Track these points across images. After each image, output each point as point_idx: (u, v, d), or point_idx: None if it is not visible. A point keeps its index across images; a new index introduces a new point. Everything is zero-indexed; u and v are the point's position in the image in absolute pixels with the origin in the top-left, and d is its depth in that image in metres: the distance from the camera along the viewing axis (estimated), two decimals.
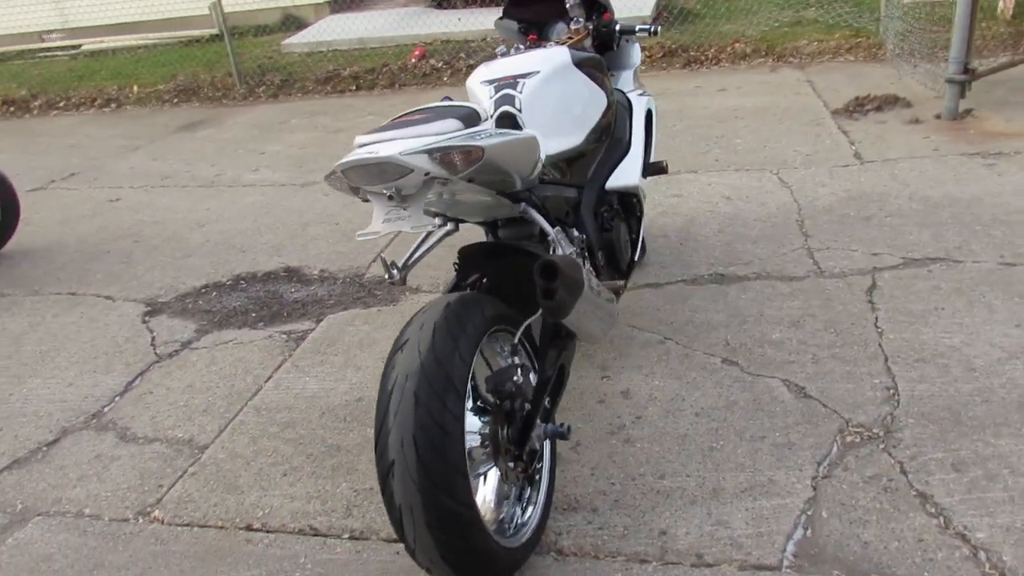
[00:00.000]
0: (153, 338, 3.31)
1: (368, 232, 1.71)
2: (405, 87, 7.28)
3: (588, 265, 2.36)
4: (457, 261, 2.18)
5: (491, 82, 2.41)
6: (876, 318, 2.83)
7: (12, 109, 8.32)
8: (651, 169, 2.79)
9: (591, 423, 2.47)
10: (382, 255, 2.14)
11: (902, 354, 2.61)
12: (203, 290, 3.70)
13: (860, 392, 2.45)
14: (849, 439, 2.27)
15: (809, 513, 2.03)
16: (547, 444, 2.09)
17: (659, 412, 2.48)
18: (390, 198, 1.68)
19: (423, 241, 2.15)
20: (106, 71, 8.94)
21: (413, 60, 7.62)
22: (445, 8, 9.19)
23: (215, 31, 9.38)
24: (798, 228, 3.58)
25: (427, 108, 1.81)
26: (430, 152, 1.61)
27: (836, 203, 3.78)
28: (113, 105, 8.04)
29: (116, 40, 9.90)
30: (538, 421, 1.90)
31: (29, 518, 2.35)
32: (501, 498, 2.02)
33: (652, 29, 2.86)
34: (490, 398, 1.85)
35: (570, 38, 2.79)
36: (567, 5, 2.81)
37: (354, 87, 7.44)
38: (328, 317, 3.32)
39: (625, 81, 2.90)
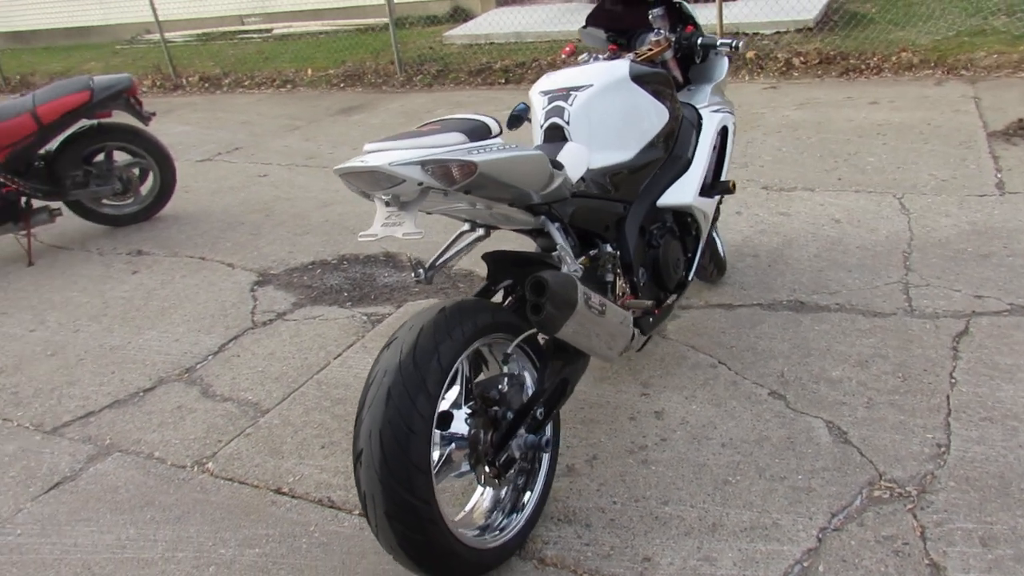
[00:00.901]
0: (254, 306, 3.63)
1: (367, 234, 1.82)
2: None
3: (621, 282, 2.35)
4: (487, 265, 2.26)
5: (546, 93, 2.46)
6: (955, 367, 2.60)
7: (207, 85, 9.24)
8: (718, 188, 2.71)
9: (615, 439, 2.46)
10: (409, 254, 2.24)
11: (969, 410, 2.39)
12: (310, 266, 3.99)
13: (906, 445, 2.28)
14: (876, 493, 2.13)
15: (805, 564, 1.94)
16: (545, 455, 2.13)
17: (686, 437, 2.43)
18: (388, 204, 1.78)
19: (453, 244, 2.23)
20: (288, 54, 9.70)
21: (563, 56, 7.68)
22: None
23: (386, 20, 9.93)
24: (902, 260, 3.33)
25: (442, 120, 1.89)
26: (423, 164, 1.69)
27: (955, 236, 3.48)
28: (289, 86, 8.73)
29: (302, 25, 10.70)
30: (522, 431, 1.94)
31: (111, 453, 2.69)
32: (495, 502, 2.09)
33: (734, 44, 2.77)
34: (476, 403, 1.92)
35: (650, 49, 2.77)
36: (649, 16, 2.78)
37: (503, 80, 7.63)
38: (408, 304, 3.50)
39: (702, 96, 2.83)
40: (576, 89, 2.41)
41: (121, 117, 4.55)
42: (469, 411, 1.91)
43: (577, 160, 2.25)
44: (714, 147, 2.80)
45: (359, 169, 1.67)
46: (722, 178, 2.78)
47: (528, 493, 2.08)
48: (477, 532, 1.98)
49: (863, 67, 6.42)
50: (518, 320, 1.99)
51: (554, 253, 2.07)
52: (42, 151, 4.46)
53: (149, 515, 2.36)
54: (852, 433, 2.36)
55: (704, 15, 7.52)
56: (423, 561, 1.77)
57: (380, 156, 1.68)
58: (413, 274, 2.15)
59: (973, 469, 2.16)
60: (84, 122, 4.46)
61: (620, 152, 2.39)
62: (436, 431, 1.86)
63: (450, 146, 1.75)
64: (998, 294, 2.99)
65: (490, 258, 2.23)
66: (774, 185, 4.29)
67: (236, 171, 5.79)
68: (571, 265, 2.04)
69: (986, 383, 2.50)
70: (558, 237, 2.07)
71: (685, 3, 2.85)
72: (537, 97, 2.47)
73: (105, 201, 4.75)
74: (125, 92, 4.44)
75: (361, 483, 1.72)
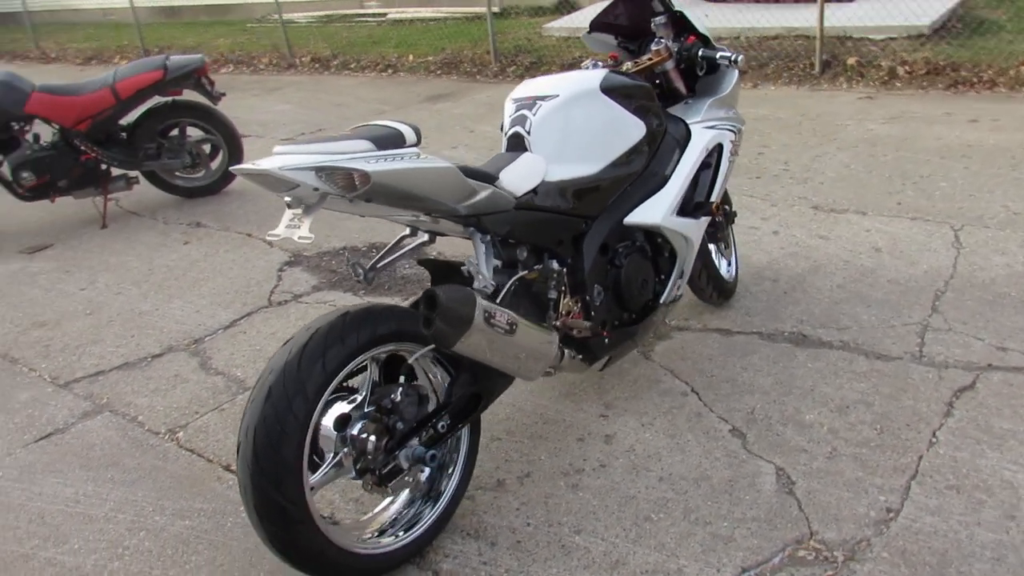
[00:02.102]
0: (276, 286, 3.78)
1: (273, 233, 1.86)
2: None
3: (568, 300, 2.29)
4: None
5: (516, 100, 2.42)
6: (941, 425, 2.37)
7: (317, 66, 9.61)
8: (702, 210, 2.57)
9: (555, 458, 2.41)
10: (348, 255, 2.26)
11: (938, 475, 2.18)
12: (340, 251, 4.11)
13: (852, 505, 2.11)
14: (800, 554, 1.98)
15: None
16: (457, 471, 2.12)
17: (626, 466, 2.35)
18: (290, 206, 1.80)
19: (395, 247, 2.24)
20: (395, 39, 9.94)
21: None
22: (721, 1, 8.85)
23: (495, 9, 9.99)
24: (932, 299, 3.06)
25: (362, 126, 1.89)
26: (317, 170, 1.71)
27: (1003, 278, 3.16)
28: (390, 71, 8.96)
29: (415, 11, 10.93)
30: (415, 442, 1.93)
31: (102, 412, 2.88)
32: (399, 511, 2.10)
33: (733, 58, 2.61)
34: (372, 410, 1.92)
35: (649, 59, 2.67)
36: (652, 25, 2.67)
37: None
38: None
39: (697, 110, 2.68)
40: (542, 99, 2.35)
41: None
42: (364, 418, 1.91)
43: (528, 171, 2.21)
44: (709, 166, 2.67)
45: (252, 172, 1.71)
46: (712, 199, 2.63)
47: (431, 505, 2.08)
48: (371, 536, 2.00)
49: (974, 80, 5.91)
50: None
51: (464, 267, 2.05)
52: (123, 123, 4.80)
53: (110, 475, 2.52)
54: (800, 484, 2.20)
55: (804, 17, 7.15)
56: (292, 557, 1.80)
57: (277, 160, 1.71)
58: (353, 274, 2.17)
59: (915, 542, 1.97)
60: (158, 99, 4.76)
61: (583, 166, 2.31)
62: (335, 433, 1.89)
63: (352, 153, 1.75)
64: None
65: (429, 265, 2.23)
66: (825, 205, 4.03)
67: None
68: (482, 280, 2.00)
69: (969, 447, 2.27)
70: (479, 250, 2.04)
71: (689, 14, 2.71)
72: (508, 104, 2.44)
73: (178, 174, 5.05)
74: (196, 72, 4.70)
75: (239, 474, 1.77)
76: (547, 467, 2.38)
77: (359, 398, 1.93)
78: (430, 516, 2.06)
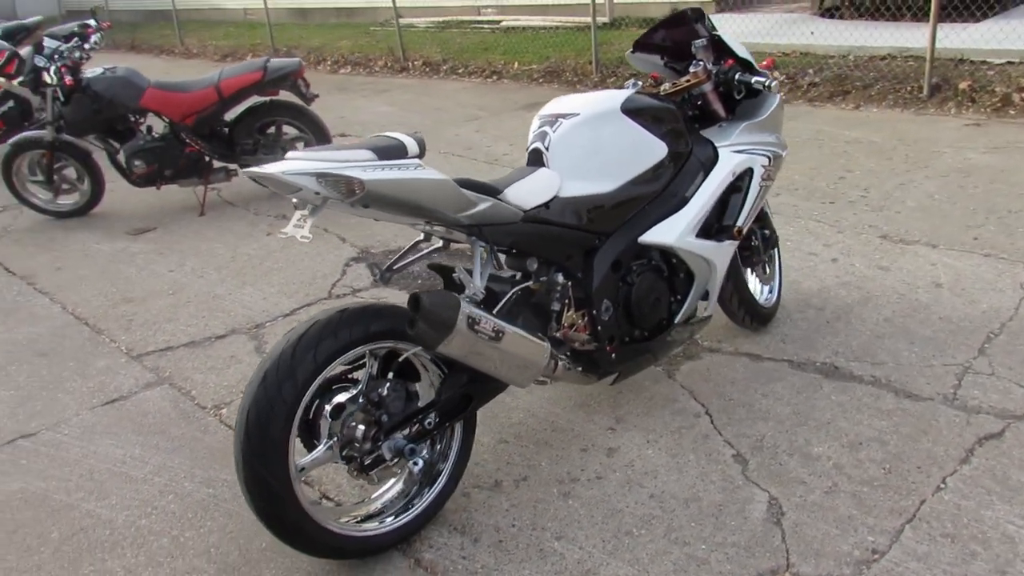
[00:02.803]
0: (338, 280, 3.99)
1: (282, 232, 2.02)
2: None
3: (571, 312, 2.35)
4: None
5: (542, 117, 2.50)
6: (955, 471, 2.28)
7: (427, 70, 9.95)
8: (724, 233, 2.57)
9: (555, 465, 2.48)
10: (367, 256, 2.39)
11: (936, 521, 2.10)
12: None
13: (837, 542, 2.07)
14: None
15: None
16: (448, 467, 2.23)
17: (621, 480, 2.38)
18: (297, 207, 1.96)
19: (409, 251, 2.37)
20: (503, 46, 10.15)
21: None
22: (832, 17, 8.58)
23: (605, 20, 10.05)
24: (982, 341, 2.92)
25: (373, 136, 2.03)
26: (317, 175, 1.86)
27: None
28: (495, 77, 9.17)
29: (528, 19, 11.12)
30: (399, 436, 2.05)
31: (162, 384, 3.16)
32: (393, 498, 2.23)
33: (767, 83, 2.59)
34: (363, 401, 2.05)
35: (687, 81, 2.69)
36: (692, 48, 2.70)
37: None
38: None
39: (729, 133, 2.67)
40: (564, 117, 2.43)
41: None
42: (356, 408, 2.05)
43: (541, 186, 2.29)
44: (740, 189, 2.66)
45: (259, 175, 1.88)
46: (738, 223, 2.62)
47: (419, 499, 2.19)
48: (352, 520, 2.12)
49: None
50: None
51: (455, 275, 2.15)
52: (226, 119, 5.18)
53: (155, 441, 2.77)
54: (789, 516, 2.18)
55: (917, 37, 6.82)
56: (274, 528, 1.96)
57: (284, 164, 1.87)
58: (371, 273, 2.32)
59: None
60: (257, 98, 5.11)
61: (598, 183, 2.37)
62: (331, 420, 2.03)
63: (353, 162, 1.89)
64: None
65: (439, 269, 2.35)
66: (895, 235, 3.88)
67: None
68: (472, 288, 2.10)
69: (977, 496, 2.17)
70: (476, 258, 2.14)
71: (726, 37, 2.71)
72: (534, 121, 2.52)
73: None
74: (292, 75, 5.02)
75: (233, 450, 1.94)
76: (545, 473, 2.45)
77: (356, 390, 2.07)
78: (415, 509, 2.18)
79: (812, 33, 7.45)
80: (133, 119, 5.06)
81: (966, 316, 3.10)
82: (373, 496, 2.25)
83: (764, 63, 7.30)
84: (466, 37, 11.12)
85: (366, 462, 2.02)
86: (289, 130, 5.32)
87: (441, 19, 12.44)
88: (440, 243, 2.36)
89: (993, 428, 2.45)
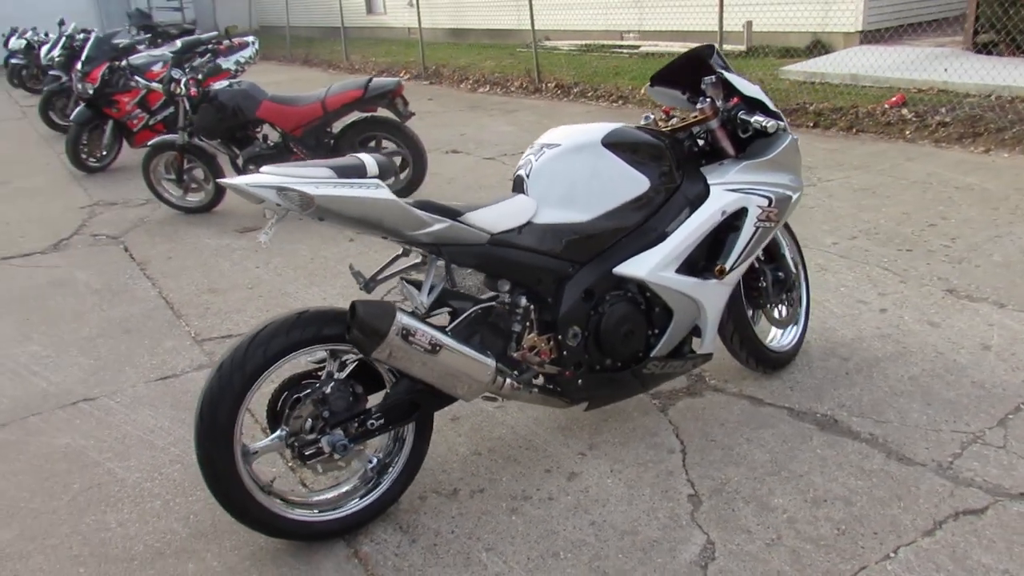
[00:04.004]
0: (393, 288, 4.23)
1: (258, 238, 2.25)
2: (862, 133, 6.77)
3: (533, 335, 2.43)
4: None
5: (534, 145, 2.60)
6: (912, 542, 2.15)
7: (559, 92, 10.17)
8: (708, 272, 2.55)
9: (515, 482, 2.55)
10: (351, 264, 2.56)
11: None
12: None
13: None
14: None
15: None
16: (396, 470, 2.37)
17: (569, 504, 2.43)
18: (266, 215, 2.18)
19: (390, 264, 2.53)
20: (635, 71, 10.18)
21: (886, 106, 6.97)
22: (986, 53, 7.97)
23: (742, 47, 9.86)
24: (1007, 411, 2.70)
25: (343, 157, 2.22)
26: (277, 189, 2.07)
27: None
28: (621, 102, 9.24)
29: (668, 45, 11.08)
30: (339, 432, 2.21)
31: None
32: (351, 489, 2.40)
33: (766, 124, 2.55)
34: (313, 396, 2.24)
35: (695, 117, 2.71)
36: (702, 85, 2.70)
37: (811, 124, 7.20)
38: None
39: (724, 171, 2.64)
40: (549, 146, 2.52)
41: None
42: (309, 403, 2.23)
43: (513, 212, 2.40)
44: (737, 229, 2.63)
45: (228, 185, 2.11)
46: (729, 263, 2.59)
47: (364, 497, 2.35)
48: (292, 505, 2.30)
49: None
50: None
51: (404, 288, 2.28)
52: (334, 132, 5.61)
53: (183, 416, 3.10)
54: (718, 562, 2.15)
55: (1007, 76, 6.21)
56: (224, 506, 2.18)
57: (252, 177, 2.09)
58: (356, 282, 2.50)
59: None
60: (358, 113, 5.50)
61: (573, 213, 2.44)
62: (288, 411, 2.24)
63: (312, 178, 2.09)
64: None
65: (413, 283, 2.50)
66: (962, 290, 3.62)
67: (501, 172, 6.50)
68: (415, 301, 2.24)
69: (924, 573, 2.04)
70: (428, 275, 2.28)
71: (733, 74, 2.69)
72: (529, 146, 2.63)
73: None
74: (390, 94, 5.37)
75: (193, 429, 2.18)
76: (502, 488, 2.53)
77: (315, 386, 2.27)
78: (359, 504, 2.33)
79: (946, 70, 6.98)
80: (252, 128, 5.58)
81: (1002, 383, 2.87)
82: (325, 488, 2.43)
83: (894, 99, 7.02)
84: (603, 61, 11.25)
85: (306, 452, 2.20)
86: (388, 144, 5.67)
87: (585, 43, 12.64)
88: (419, 259, 2.51)
89: (976, 504, 2.28)
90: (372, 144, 5.66)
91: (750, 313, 2.93)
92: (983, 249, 4.08)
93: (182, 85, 5.41)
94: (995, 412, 2.70)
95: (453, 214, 2.28)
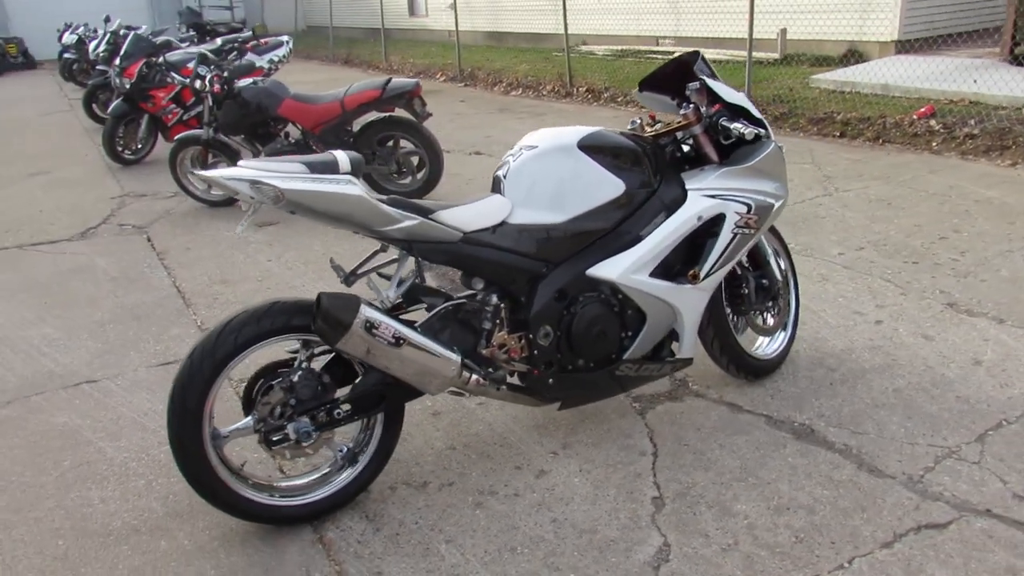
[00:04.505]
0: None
1: (236, 228, 2.32)
2: (888, 144, 6.66)
3: (503, 333, 2.46)
4: None
5: (515, 147, 2.64)
6: (868, 553, 2.14)
7: (589, 97, 10.17)
8: (682, 276, 2.56)
9: (485, 477, 2.59)
10: (332, 258, 2.62)
11: None
12: None
13: None
14: None
15: None
16: (364, 460, 2.42)
17: (534, 501, 2.46)
18: (243, 208, 2.26)
19: (368, 260, 2.59)
20: None
21: (915, 117, 6.86)
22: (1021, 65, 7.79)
23: (776, 55, 9.76)
24: (987, 427, 2.66)
25: (319, 154, 2.28)
26: (251, 182, 2.14)
27: None
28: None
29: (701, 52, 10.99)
30: (305, 419, 2.27)
31: None
32: (322, 476, 2.46)
33: (744, 131, 2.55)
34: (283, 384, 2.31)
35: (679, 123, 2.72)
36: (687, 91, 2.71)
37: (838, 134, 7.11)
38: None
39: (703, 178, 2.64)
40: (526, 148, 2.55)
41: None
42: (280, 390, 2.30)
43: (487, 211, 2.44)
44: (716, 235, 2.63)
45: (207, 177, 2.19)
46: (705, 269, 2.60)
47: (329, 486, 2.41)
48: (259, 489, 2.36)
49: None
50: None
51: (369, 282, 2.33)
52: (353, 131, 5.71)
53: None
54: (672, 564, 2.16)
55: None
56: (192, 486, 2.26)
57: (228, 171, 2.17)
58: (337, 275, 2.57)
59: None
60: (376, 113, 5.59)
61: (547, 214, 2.47)
62: (260, 397, 2.31)
63: (284, 173, 2.16)
64: None
65: (378, 277, 2.55)
66: (963, 304, 3.56)
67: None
68: (382, 295, 2.29)
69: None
70: (398, 270, 2.34)
71: (716, 81, 2.69)
72: (514, 147, 2.67)
73: (393, 176, 5.86)
74: (408, 94, 5.45)
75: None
76: (471, 482, 2.57)
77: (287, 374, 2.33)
78: (323, 492, 2.39)
79: (975, 81, 6.84)
80: (274, 125, 5.71)
81: (988, 399, 2.82)
82: (296, 474, 2.50)
83: (923, 110, 6.94)
84: (637, 67, 11.22)
85: (272, 438, 2.27)
86: (406, 144, 5.76)
87: (620, 48, 12.62)
88: (396, 255, 2.57)
89: (940, 518, 2.25)
90: (390, 144, 5.75)
91: (733, 320, 2.93)
92: (991, 264, 4.00)
93: (206, 82, 5.56)
94: (975, 427, 2.66)
95: (425, 212, 2.33)
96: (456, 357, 2.33)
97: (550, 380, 2.54)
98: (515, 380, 2.58)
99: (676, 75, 2.80)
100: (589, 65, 11.65)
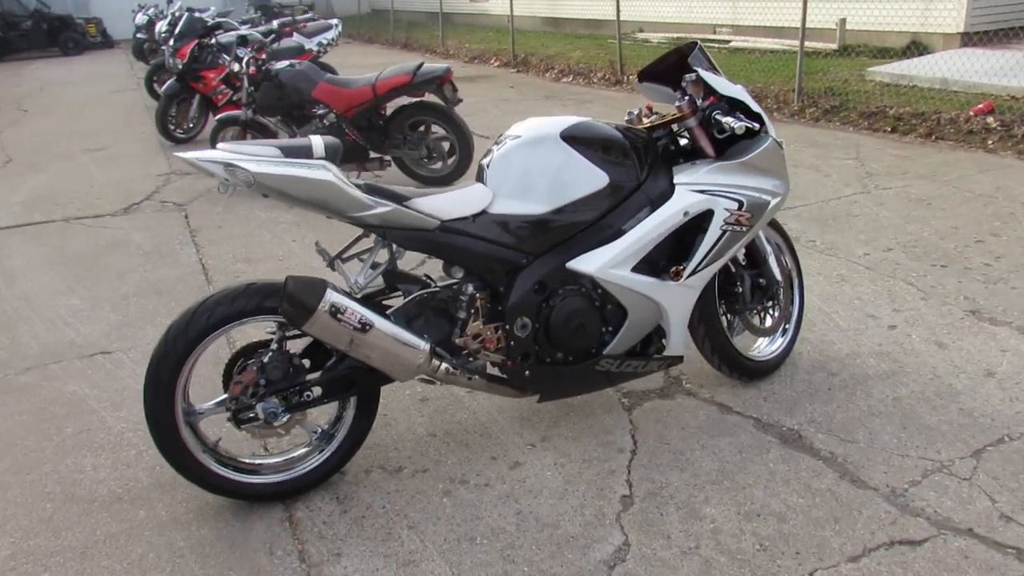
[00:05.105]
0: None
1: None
2: (940, 141, 6.38)
3: (479, 323, 2.45)
4: None
5: (501, 136, 2.62)
6: (833, 566, 2.07)
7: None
8: (666, 272, 2.51)
9: (459, 466, 2.60)
10: (317, 241, 2.64)
11: None
12: None
13: None
14: None
15: None
16: (334, 444, 2.45)
17: (502, 493, 2.45)
18: (220, 190, 2.30)
19: (358, 242, 2.60)
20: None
21: (971, 113, 6.55)
22: None
23: (834, 46, 9.45)
24: (985, 443, 2.53)
25: (291, 138, 2.30)
26: (225, 164, 2.17)
27: None
28: None
29: (757, 41, 10.72)
30: (274, 400, 2.31)
31: None
32: (298, 454, 2.51)
33: (734, 125, 2.47)
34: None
35: (674, 115, 2.66)
36: (683, 83, 2.65)
37: (889, 128, 6.84)
38: None
39: (694, 172, 2.56)
40: (511, 138, 2.53)
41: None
42: (249, 370, 2.34)
43: (467, 200, 2.44)
44: (705, 231, 2.57)
45: (184, 159, 2.23)
46: (690, 266, 2.53)
47: (299, 465, 2.45)
48: (230, 465, 2.41)
49: None
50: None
51: (334, 267, 2.35)
52: (386, 115, 5.75)
53: None
54: (627, 565, 2.13)
55: None
56: (166, 459, 2.32)
57: (205, 153, 2.21)
58: (323, 259, 2.59)
59: None
60: (406, 98, 5.61)
61: (528, 205, 2.44)
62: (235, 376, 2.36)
63: (258, 156, 2.19)
64: None
65: (352, 261, 2.56)
66: (986, 312, 3.40)
67: None
68: (350, 281, 2.31)
69: None
70: (370, 256, 2.35)
71: (711, 73, 2.61)
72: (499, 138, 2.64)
73: (424, 161, 5.89)
74: (438, 79, 5.45)
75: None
76: (445, 470, 2.58)
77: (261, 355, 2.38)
78: (295, 472, 2.43)
79: None
80: (309, 107, 5.79)
81: (993, 412, 2.69)
82: (269, 453, 2.55)
83: (981, 106, 6.68)
84: None
85: (240, 416, 2.31)
86: (436, 129, 5.77)
87: (677, 35, 12.38)
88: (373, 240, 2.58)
89: (916, 535, 2.16)
90: (421, 128, 5.77)
91: (727, 319, 2.85)
92: None
93: (243, 64, 5.67)
94: (973, 442, 2.54)
95: (401, 199, 2.33)
96: (424, 345, 2.33)
97: (527, 372, 2.52)
98: (496, 372, 2.57)
99: (676, 66, 2.73)
100: (643, 53, 11.46)
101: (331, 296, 2.20)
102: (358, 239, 2.60)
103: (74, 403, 3.10)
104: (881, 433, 2.62)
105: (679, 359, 2.73)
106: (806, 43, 9.94)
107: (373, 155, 5.81)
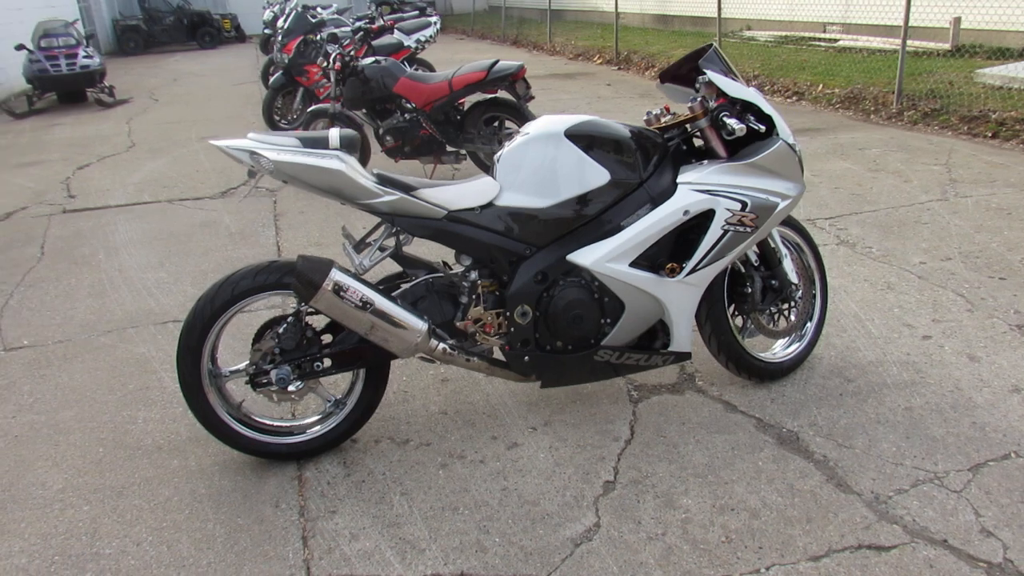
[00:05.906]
0: None
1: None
2: None
3: (480, 308, 2.60)
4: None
5: (517, 132, 2.75)
6: (790, 563, 2.10)
7: None
8: (664, 268, 2.57)
9: (462, 443, 2.76)
10: (344, 226, 2.84)
11: None
12: None
13: None
14: None
15: None
16: (343, 413, 2.66)
17: (494, 470, 2.59)
18: (248, 176, 2.54)
19: (376, 230, 2.79)
20: (821, 67, 9.60)
21: None
22: None
23: (947, 46, 9.00)
24: (988, 458, 2.47)
25: (311, 131, 2.52)
26: (250, 152, 2.42)
27: None
28: (795, 98, 8.81)
29: (868, 40, 10.30)
30: (286, 367, 2.53)
31: (271, 310, 4.01)
32: (313, 419, 2.74)
33: (736, 128, 2.49)
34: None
35: (685, 115, 2.72)
36: (696, 84, 2.70)
37: (990, 134, 6.50)
38: None
39: (699, 172, 2.60)
40: (521, 134, 2.66)
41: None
42: (269, 338, 2.58)
43: (474, 192, 2.60)
44: (706, 229, 2.61)
45: (215, 145, 2.49)
46: (690, 264, 2.59)
47: (311, 430, 2.67)
48: (251, 425, 2.66)
49: None
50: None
51: (345, 249, 2.54)
52: (463, 109, 5.97)
53: (236, 345, 3.60)
54: (593, 545, 2.23)
55: None
56: (194, 414, 2.59)
57: (234, 141, 2.46)
58: (349, 242, 2.81)
59: None
60: (480, 94, 5.80)
61: (532, 199, 2.57)
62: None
63: (279, 146, 2.42)
64: None
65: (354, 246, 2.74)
66: None
67: None
68: (355, 261, 2.50)
69: None
70: (378, 240, 2.54)
71: (722, 76, 2.64)
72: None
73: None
74: (511, 76, 5.61)
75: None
76: (447, 445, 2.75)
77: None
78: (307, 436, 2.66)
79: None
80: (391, 102, 6.08)
81: (1006, 428, 2.61)
82: (287, 417, 2.79)
83: None
84: (794, 54, 10.70)
85: (256, 380, 2.56)
86: (510, 125, 5.94)
87: (785, 34, 12.05)
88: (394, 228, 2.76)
89: (887, 541, 2.16)
90: (496, 124, 5.95)
91: (737, 319, 2.88)
92: None
93: (330, 60, 6.02)
94: (976, 456, 2.48)
95: (405, 188, 2.51)
96: (423, 325, 2.50)
97: (526, 358, 2.65)
98: (496, 355, 2.72)
99: (695, 67, 2.78)
100: (747, 51, 11.24)
101: (335, 275, 2.41)
102: (378, 226, 2.79)
103: (141, 363, 3.46)
104: (881, 441, 2.60)
105: (686, 355, 2.78)
106: (917, 43, 9.52)
107: (450, 149, 6.04)
